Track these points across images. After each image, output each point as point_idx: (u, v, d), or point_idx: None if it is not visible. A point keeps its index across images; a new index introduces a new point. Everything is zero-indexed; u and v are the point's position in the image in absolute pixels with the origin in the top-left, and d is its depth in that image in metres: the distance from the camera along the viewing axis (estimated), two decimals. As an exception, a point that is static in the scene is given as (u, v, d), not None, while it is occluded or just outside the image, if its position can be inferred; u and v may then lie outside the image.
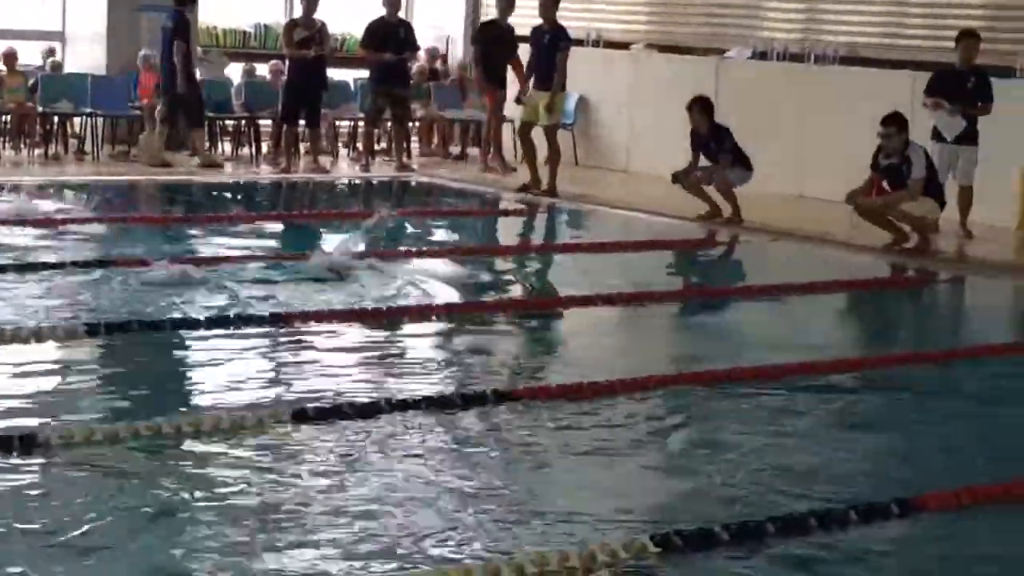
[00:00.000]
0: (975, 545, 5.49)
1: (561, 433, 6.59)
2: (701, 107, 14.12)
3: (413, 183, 16.54)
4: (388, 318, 8.89)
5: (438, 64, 20.04)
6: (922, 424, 7.26)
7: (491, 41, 16.79)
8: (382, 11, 17.06)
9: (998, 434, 7.23)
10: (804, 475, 6.12)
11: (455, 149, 19.25)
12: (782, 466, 6.24)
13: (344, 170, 17.62)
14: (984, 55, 14.05)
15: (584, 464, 6.20)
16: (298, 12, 17.12)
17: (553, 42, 15.20)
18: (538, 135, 15.41)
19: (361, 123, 18.20)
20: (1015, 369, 8.57)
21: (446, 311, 9.19)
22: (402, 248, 11.56)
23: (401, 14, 17.51)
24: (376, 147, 18.39)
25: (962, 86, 13.39)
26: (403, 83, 17.29)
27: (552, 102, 15.23)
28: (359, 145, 18.38)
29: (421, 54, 18.93)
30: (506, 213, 14.55)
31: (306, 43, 16.27)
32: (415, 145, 18.85)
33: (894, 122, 12.48)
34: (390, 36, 16.94)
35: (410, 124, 18.23)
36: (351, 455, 6.09)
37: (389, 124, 18.02)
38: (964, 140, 13.35)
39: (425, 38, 19.10)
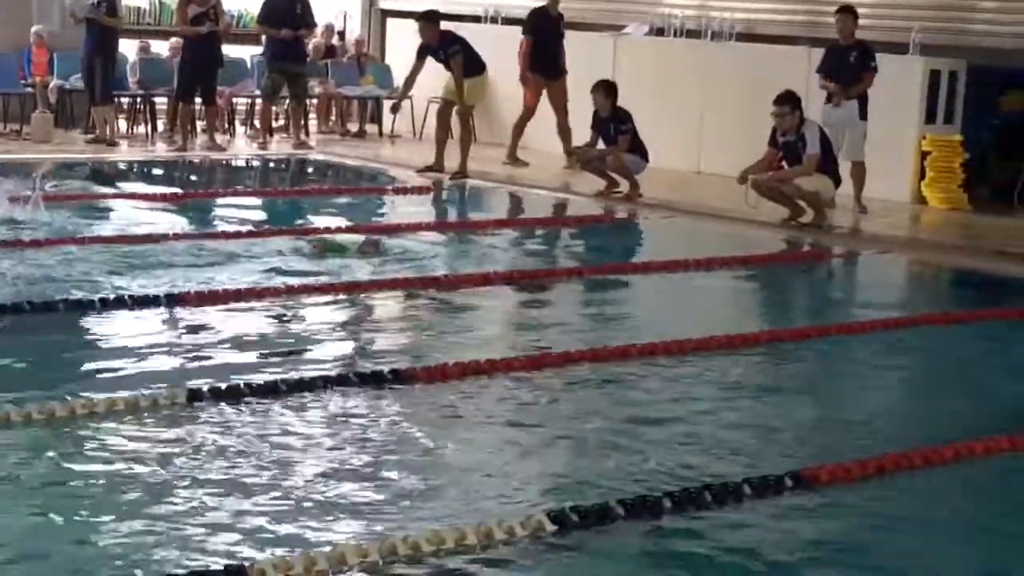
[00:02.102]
0: (866, 515, 5.55)
1: (458, 412, 6.58)
2: (606, 90, 14.19)
3: (311, 161, 16.44)
4: (288, 296, 8.84)
5: (335, 41, 19.93)
6: (815, 397, 7.37)
7: (542, 31, 16.46)
8: (279, -12, 16.91)
9: (890, 406, 7.36)
10: (701, 450, 6.16)
11: (353, 126, 19.16)
12: (680, 441, 6.28)
13: (241, 148, 17.47)
14: (878, 31, 14.20)
15: (480, 443, 6.19)
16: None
17: (444, 52, 15.26)
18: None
19: (258, 100, 18.05)
20: (906, 342, 8.69)
21: (347, 289, 9.14)
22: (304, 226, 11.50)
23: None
24: (274, 124, 18.26)
25: (846, 60, 13.53)
26: (300, 60, 17.16)
27: (459, 89, 15.26)
28: (256, 122, 18.24)
29: (318, 31, 18.81)
30: (406, 191, 14.49)
31: (200, 20, 16.09)
32: (312, 122, 18.74)
33: (787, 101, 12.58)
34: (286, 13, 16.81)
35: (307, 101, 18.11)
36: (246, 435, 6.03)
37: (286, 101, 17.90)
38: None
39: (322, 15, 18.96)
